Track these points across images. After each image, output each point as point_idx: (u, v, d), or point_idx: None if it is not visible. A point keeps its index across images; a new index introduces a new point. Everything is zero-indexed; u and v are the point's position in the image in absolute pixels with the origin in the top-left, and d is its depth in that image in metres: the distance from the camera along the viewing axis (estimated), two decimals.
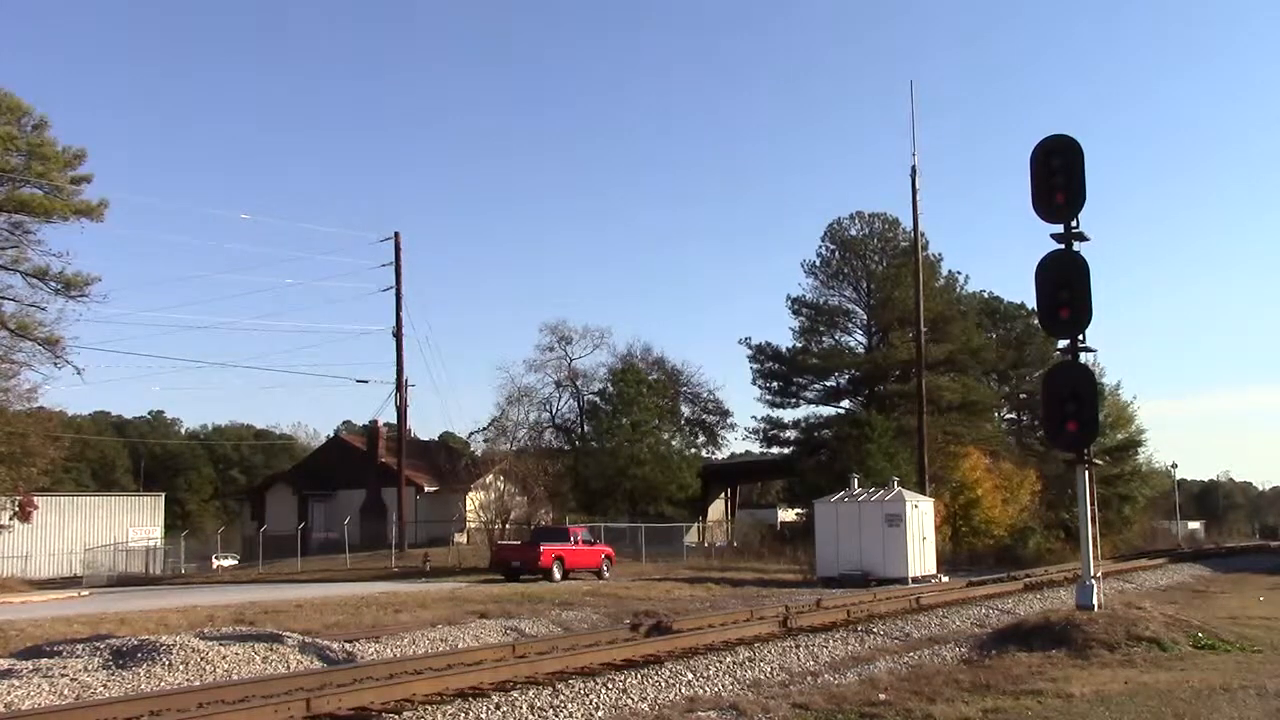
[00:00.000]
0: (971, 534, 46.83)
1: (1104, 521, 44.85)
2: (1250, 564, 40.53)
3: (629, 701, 10.34)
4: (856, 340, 57.15)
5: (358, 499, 50.37)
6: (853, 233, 56.02)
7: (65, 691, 10.94)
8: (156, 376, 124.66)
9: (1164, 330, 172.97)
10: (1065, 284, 15.33)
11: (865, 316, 56.43)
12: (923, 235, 43.37)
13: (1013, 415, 69.30)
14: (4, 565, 46.57)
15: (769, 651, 13.57)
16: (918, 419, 40.61)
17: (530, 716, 9.57)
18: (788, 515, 61.72)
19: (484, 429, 57.63)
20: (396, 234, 45.84)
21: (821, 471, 46.31)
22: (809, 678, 11.93)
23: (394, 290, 45.29)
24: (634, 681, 11.08)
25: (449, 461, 52.85)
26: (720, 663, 12.53)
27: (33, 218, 36.68)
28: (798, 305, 57.01)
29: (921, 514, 31.44)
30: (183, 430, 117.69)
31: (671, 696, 10.68)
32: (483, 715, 9.47)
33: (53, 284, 37.18)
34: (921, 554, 30.79)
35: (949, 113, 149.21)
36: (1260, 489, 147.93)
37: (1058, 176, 15.44)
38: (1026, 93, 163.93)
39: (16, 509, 37.22)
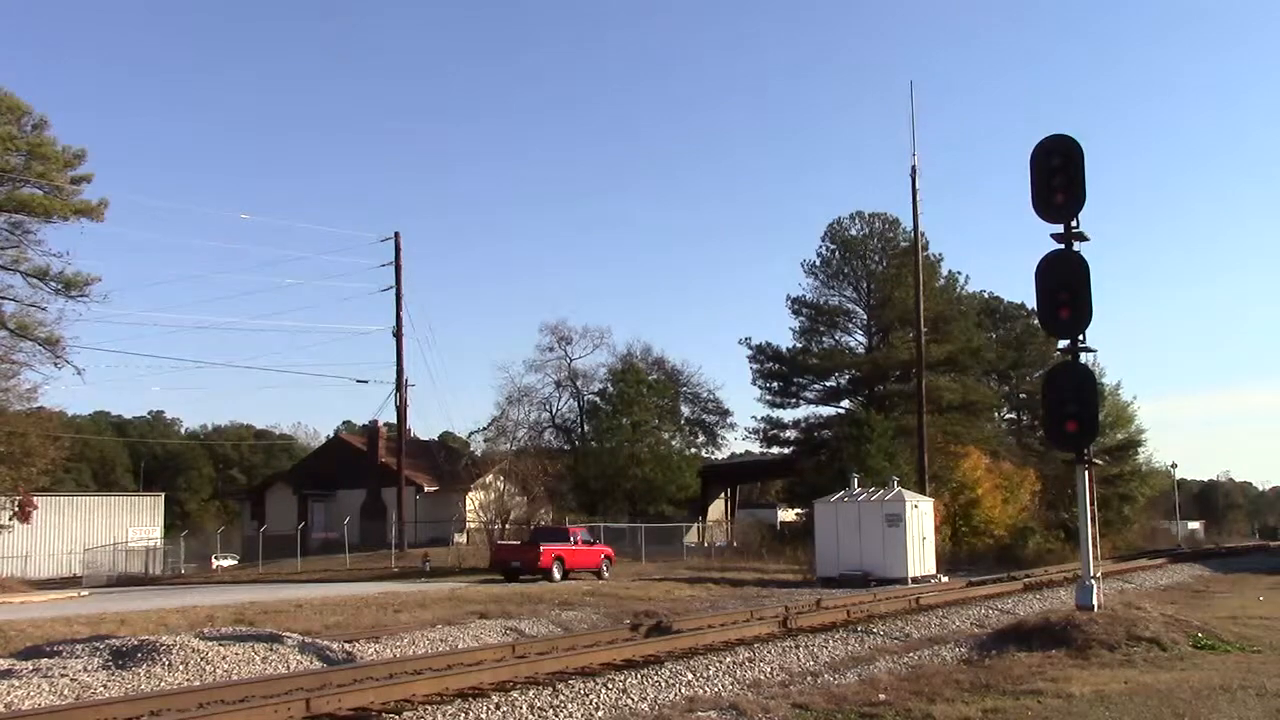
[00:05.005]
0: (971, 534, 46.77)
1: (1104, 521, 44.82)
2: (1250, 564, 40.57)
3: (629, 701, 10.33)
4: (856, 340, 57.16)
5: (358, 499, 50.38)
6: (853, 233, 56.00)
7: (65, 691, 10.92)
8: (156, 376, 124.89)
9: (1164, 330, 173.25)
10: (1065, 284, 15.31)
11: (865, 316, 56.39)
12: (923, 235, 43.42)
13: (1013, 415, 69.36)
14: (4, 565, 46.52)
15: (769, 652, 13.56)
16: (918, 419, 40.60)
17: (530, 716, 9.56)
18: (788, 515, 61.66)
19: (484, 429, 57.65)
20: (396, 234, 45.96)
21: (821, 471, 46.25)
22: (809, 678, 11.92)
23: (394, 290, 45.41)
24: (634, 681, 11.07)
25: (449, 461, 52.86)
26: (720, 663, 12.52)
27: (33, 218, 36.66)
28: (798, 305, 57.05)
29: (921, 514, 31.42)
30: (183, 430, 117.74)
31: (671, 696, 10.67)
32: (483, 715, 9.46)
33: (53, 284, 37.18)
34: (921, 554, 30.78)
35: (950, 112, 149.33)
36: (1260, 489, 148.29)
37: (1058, 176, 15.42)
38: (1027, 93, 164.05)
39: (16, 509, 37.18)
